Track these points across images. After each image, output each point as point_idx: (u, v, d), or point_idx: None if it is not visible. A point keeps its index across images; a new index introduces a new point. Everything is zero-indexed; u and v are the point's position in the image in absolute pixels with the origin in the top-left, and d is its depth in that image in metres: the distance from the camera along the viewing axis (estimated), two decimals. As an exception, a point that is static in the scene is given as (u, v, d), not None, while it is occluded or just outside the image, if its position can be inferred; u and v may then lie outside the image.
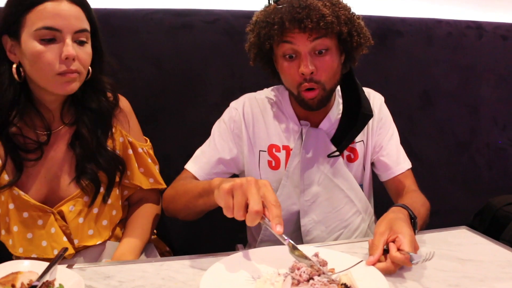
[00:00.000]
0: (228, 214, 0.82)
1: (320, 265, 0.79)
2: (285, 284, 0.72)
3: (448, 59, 2.04)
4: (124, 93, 1.21)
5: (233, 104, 1.30)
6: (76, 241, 1.09)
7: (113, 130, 1.15)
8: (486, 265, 0.90)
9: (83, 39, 1.00)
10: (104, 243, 1.14)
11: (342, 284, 0.74)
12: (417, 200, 1.15)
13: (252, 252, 0.88)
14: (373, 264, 0.83)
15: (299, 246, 0.89)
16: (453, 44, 2.03)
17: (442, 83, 2.04)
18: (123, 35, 1.58)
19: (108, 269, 0.86)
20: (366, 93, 1.27)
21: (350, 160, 1.29)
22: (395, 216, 0.95)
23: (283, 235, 0.80)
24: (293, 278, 0.73)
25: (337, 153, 1.24)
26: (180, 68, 1.67)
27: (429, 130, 2.06)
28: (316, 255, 0.83)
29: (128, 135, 1.19)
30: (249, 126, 1.25)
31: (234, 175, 1.31)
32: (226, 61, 1.71)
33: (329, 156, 1.23)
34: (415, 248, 0.85)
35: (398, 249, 0.83)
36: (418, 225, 1.03)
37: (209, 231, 1.69)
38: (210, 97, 1.71)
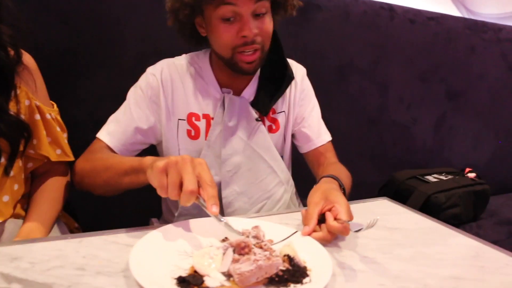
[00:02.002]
0: (162, 193, 0.75)
1: (261, 238, 0.75)
2: (226, 257, 0.65)
3: (362, 37, 2.09)
4: (23, 49, 1.02)
5: (150, 69, 1.18)
6: None
7: (18, 91, 0.97)
8: (412, 233, 0.92)
9: None
10: (3, 222, 0.97)
11: (285, 255, 0.70)
12: (341, 172, 1.15)
13: (182, 224, 0.81)
14: (309, 234, 0.81)
15: (234, 218, 0.85)
16: (368, 23, 2.09)
17: (356, 60, 2.10)
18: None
19: (15, 249, 0.72)
20: (289, 63, 1.25)
21: (271, 130, 1.25)
22: (329, 186, 0.94)
23: (219, 215, 0.76)
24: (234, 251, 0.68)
25: (263, 116, 1.21)
26: (90, 25, 1.48)
27: (343, 105, 2.12)
28: (257, 227, 0.78)
29: (34, 98, 1.01)
30: (167, 93, 1.16)
31: (152, 146, 1.21)
32: (142, 22, 1.56)
33: (257, 120, 1.20)
34: (351, 217, 0.85)
35: (335, 219, 0.81)
36: (346, 195, 1.03)
37: (119, 205, 1.56)
38: (123, 60, 1.55)
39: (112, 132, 1.12)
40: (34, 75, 1.02)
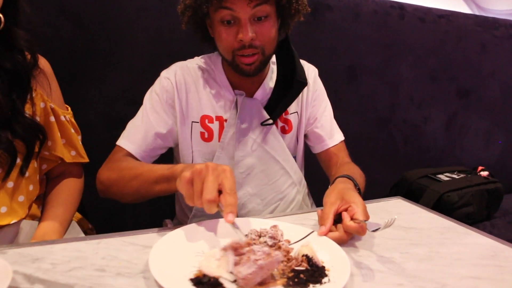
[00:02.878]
0: (189, 203, 0.77)
1: (278, 238, 0.75)
2: (228, 259, 0.65)
3: (373, 37, 2.09)
4: (39, 53, 1.04)
5: (164, 73, 1.19)
6: None
7: (33, 93, 0.99)
8: (428, 232, 0.92)
9: None
10: (18, 222, 0.99)
11: (303, 256, 0.70)
12: (355, 171, 1.15)
13: (200, 225, 0.81)
14: (325, 234, 0.81)
15: (252, 220, 0.86)
16: (378, 22, 2.09)
17: (366, 60, 2.09)
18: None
19: (35, 251, 0.73)
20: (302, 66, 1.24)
21: (284, 131, 1.25)
22: (345, 186, 0.94)
23: (236, 224, 0.76)
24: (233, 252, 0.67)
25: (271, 121, 1.20)
26: (104, 29, 1.50)
27: (353, 104, 2.11)
28: (275, 227, 0.79)
29: (49, 100, 1.03)
30: (182, 96, 1.17)
31: (169, 149, 1.22)
32: (155, 24, 1.57)
33: (262, 124, 1.19)
34: (367, 217, 0.85)
35: (352, 218, 0.82)
36: (361, 195, 1.03)
37: (132, 206, 1.56)
38: (136, 62, 1.56)
39: (132, 138, 1.13)
40: (50, 78, 1.04)
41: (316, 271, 0.67)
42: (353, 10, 2.02)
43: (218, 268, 0.65)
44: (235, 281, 0.63)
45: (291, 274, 0.67)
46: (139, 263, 0.70)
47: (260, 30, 1.06)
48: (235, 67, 1.11)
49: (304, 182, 1.34)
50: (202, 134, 1.18)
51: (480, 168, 2.24)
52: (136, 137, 1.13)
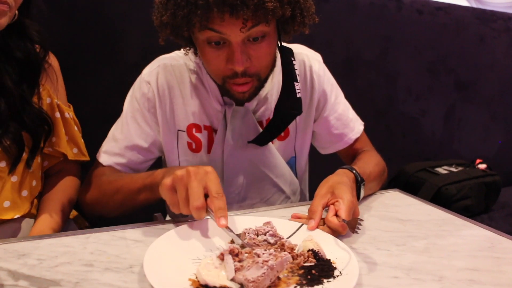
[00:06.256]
0: (175, 210, 0.73)
1: (279, 236, 0.73)
2: (227, 264, 0.62)
3: (369, 29, 2.06)
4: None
5: (145, 74, 1.07)
6: None
7: (41, 88, 0.98)
8: (425, 224, 0.90)
9: None
10: (20, 220, 0.97)
11: (309, 251, 0.68)
12: (369, 161, 1.09)
13: (196, 224, 0.76)
14: (314, 229, 0.78)
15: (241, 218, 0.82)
16: (375, 14, 2.06)
17: (363, 52, 2.07)
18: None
19: (22, 246, 0.71)
20: (300, 60, 1.11)
21: (279, 138, 1.12)
22: (339, 179, 0.88)
23: (229, 228, 0.72)
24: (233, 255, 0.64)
25: (260, 141, 1.06)
26: (95, 22, 1.47)
27: (350, 97, 2.08)
28: (269, 223, 0.77)
29: (55, 96, 1.03)
30: (165, 103, 1.05)
31: (160, 158, 1.17)
32: (148, 16, 1.54)
33: (249, 142, 1.06)
34: (355, 213, 0.81)
35: (336, 215, 0.79)
36: (374, 185, 1.04)
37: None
38: (129, 55, 1.54)
39: (111, 153, 1.05)
40: (57, 74, 1.05)
41: (325, 265, 0.65)
42: (350, 2, 1.99)
43: (218, 277, 0.60)
44: (241, 287, 0.60)
45: (301, 272, 0.64)
46: (128, 258, 0.68)
47: (256, 53, 0.90)
48: (226, 92, 0.99)
49: (299, 190, 1.23)
50: (189, 144, 1.08)
51: (478, 161, 2.22)
52: (113, 151, 1.05)
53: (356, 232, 0.79)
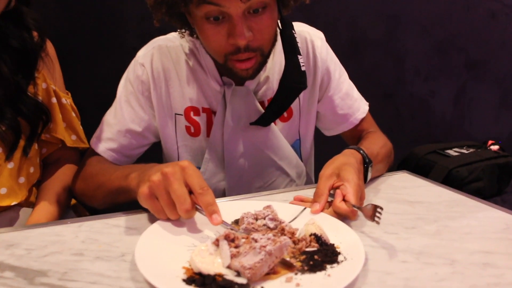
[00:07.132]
0: (161, 217, 0.68)
1: (279, 220, 0.69)
2: (223, 251, 0.58)
3: (375, 7, 2.00)
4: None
5: (139, 56, 1.03)
6: None
7: (36, 74, 0.96)
8: (435, 206, 0.86)
9: None
10: (18, 209, 0.96)
11: (311, 235, 0.64)
12: (376, 142, 1.05)
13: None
14: (319, 213, 0.74)
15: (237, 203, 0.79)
16: (381, -8, 2.00)
17: (369, 32, 2.01)
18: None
19: (11, 236, 0.68)
20: (302, 37, 1.06)
21: (282, 119, 1.08)
22: (345, 160, 0.84)
23: (225, 222, 0.67)
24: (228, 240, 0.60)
25: (263, 122, 1.02)
26: (91, 6, 1.44)
27: (357, 79, 2.03)
28: (269, 207, 0.72)
29: (52, 82, 1.01)
30: (160, 87, 1.01)
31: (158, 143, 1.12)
32: (145, 2, 1.51)
33: (251, 124, 1.02)
34: (361, 197, 0.78)
35: (344, 200, 0.75)
36: (382, 167, 1.00)
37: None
38: (127, 40, 1.51)
39: (104, 138, 1.02)
40: (54, 61, 1.03)
41: (328, 250, 0.61)
42: (354, -20, 1.93)
43: (213, 264, 0.57)
44: (237, 275, 0.56)
45: (303, 257, 0.60)
46: (121, 246, 0.65)
47: (257, 26, 0.86)
48: (228, 71, 0.94)
49: (304, 173, 1.18)
50: (187, 128, 1.04)
51: (490, 142, 2.16)
52: (107, 136, 1.02)
53: (377, 222, 0.70)
